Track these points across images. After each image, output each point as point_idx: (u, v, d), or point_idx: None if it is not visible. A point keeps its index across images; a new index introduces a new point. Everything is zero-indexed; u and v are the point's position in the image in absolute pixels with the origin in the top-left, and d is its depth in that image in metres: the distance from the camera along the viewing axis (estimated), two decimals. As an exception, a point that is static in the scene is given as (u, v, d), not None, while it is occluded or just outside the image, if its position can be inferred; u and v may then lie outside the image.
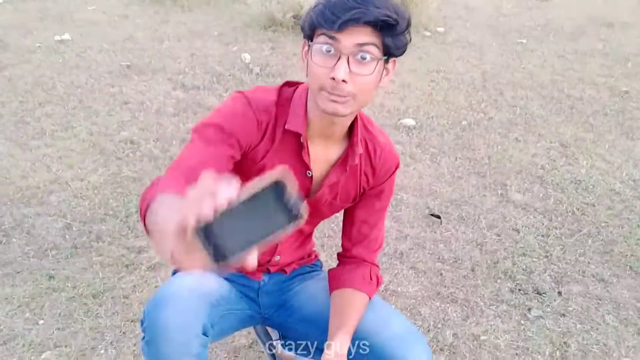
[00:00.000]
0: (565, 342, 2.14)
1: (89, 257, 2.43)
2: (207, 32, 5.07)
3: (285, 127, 1.32)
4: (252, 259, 0.65)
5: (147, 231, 1.00)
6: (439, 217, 2.82)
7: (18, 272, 2.33)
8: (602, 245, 2.69)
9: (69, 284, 2.28)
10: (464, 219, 2.83)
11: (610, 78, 4.58)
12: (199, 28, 5.14)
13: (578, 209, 2.93)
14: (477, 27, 5.62)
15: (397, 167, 1.50)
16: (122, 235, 2.57)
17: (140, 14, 5.42)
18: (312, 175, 1.40)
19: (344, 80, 1.16)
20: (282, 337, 1.72)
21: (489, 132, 3.66)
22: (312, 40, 1.21)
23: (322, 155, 1.40)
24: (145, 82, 4.05)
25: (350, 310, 1.44)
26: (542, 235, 2.73)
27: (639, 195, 3.07)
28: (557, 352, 2.09)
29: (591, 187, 3.13)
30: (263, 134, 1.33)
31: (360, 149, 1.39)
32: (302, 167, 1.38)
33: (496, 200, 3.00)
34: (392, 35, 1.18)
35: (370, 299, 1.50)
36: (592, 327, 2.22)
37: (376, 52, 1.18)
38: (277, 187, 0.62)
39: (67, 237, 2.55)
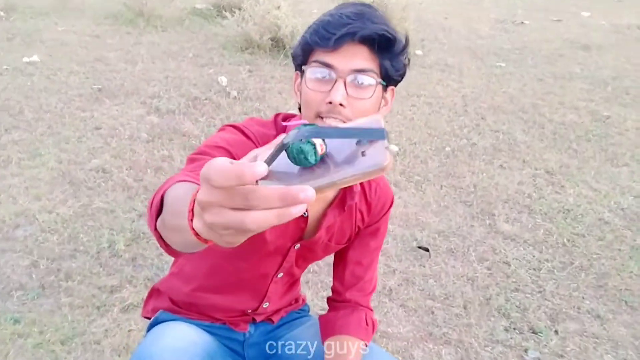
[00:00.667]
0: (565, 386, 2.04)
1: (57, 298, 2.26)
2: (181, 53, 4.93)
3: None
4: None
5: (157, 232, 0.83)
6: (427, 250, 2.71)
7: (-21, 316, 2.15)
8: (595, 279, 2.60)
9: (35, 329, 2.11)
10: (453, 252, 2.73)
11: (590, 102, 4.56)
12: (174, 49, 5.00)
13: (568, 240, 2.85)
14: (455, 50, 5.59)
15: (392, 203, 1.42)
16: (92, 273, 2.40)
17: (112, 35, 5.26)
18: (307, 216, 1.29)
19: (341, 104, 1.08)
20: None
21: (473, 159, 3.58)
22: (305, 66, 1.14)
23: (318, 195, 1.29)
24: (117, 106, 3.89)
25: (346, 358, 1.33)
26: (534, 269, 2.64)
27: (628, 225, 3.01)
28: (558, 398, 1.99)
29: (580, 216, 3.06)
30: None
31: (358, 187, 1.31)
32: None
33: (485, 231, 2.91)
34: (390, 57, 1.11)
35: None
36: (591, 369, 2.12)
37: (374, 76, 1.11)
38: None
39: (33, 276, 2.37)
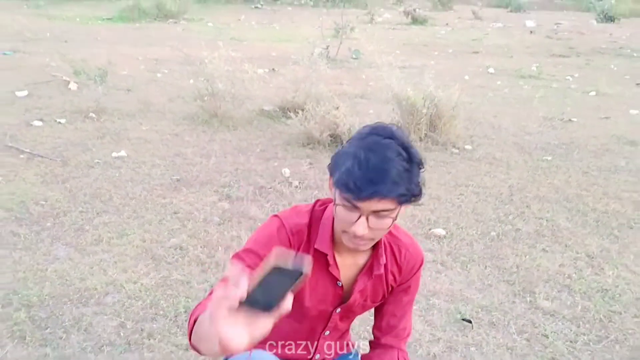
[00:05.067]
0: None
1: (141, 353, 2.62)
2: (250, 149, 5.47)
3: (315, 247, 1.54)
4: (287, 304, 0.92)
5: (193, 346, 1.27)
6: (470, 321, 2.95)
7: (77, 366, 2.52)
8: (629, 351, 2.77)
9: (122, 378, 2.46)
10: (495, 325, 2.95)
11: (634, 193, 4.76)
12: (243, 145, 5.56)
13: (605, 317, 3.03)
14: (504, 145, 5.92)
15: (421, 263, 1.68)
16: (171, 333, 2.76)
17: (190, 133, 5.89)
18: (342, 285, 1.61)
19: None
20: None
21: (517, 243, 3.83)
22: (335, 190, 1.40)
23: (350, 262, 1.60)
24: (193, 194, 4.38)
25: None
26: (571, 341, 2.83)
27: (665, 304, 3.16)
28: None
29: (617, 295, 3.23)
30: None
31: (384, 259, 1.58)
32: (332, 279, 1.58)
33: (525, 307, 3.12)
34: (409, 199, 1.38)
35: None
36: None
37: (395, 210, 1.37)
38: (277, 268, 0.89)
39: (121, 334, 2.75)
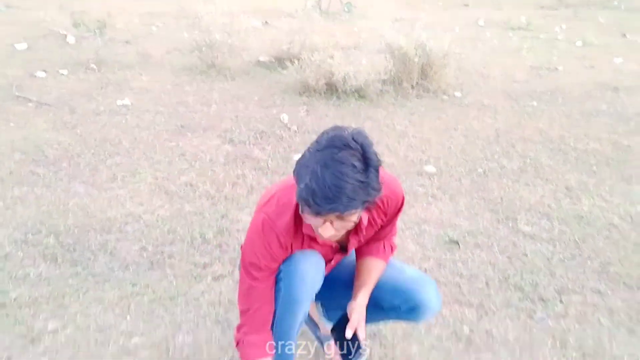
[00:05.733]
0: (564, 337, 2.54)
1: (163, 270, 2.92)
2: (248, 97, 5.70)
3: (303, 232, 1.76)
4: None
5: None
6: (457, 243, 3.27)
7: (106, 281, 2.82)
8: (600, 266, 3.10)
9: (149, 290, 2.76)
10: (479, 246, 3.27)
11: (613, 134, 5.06)
12: (242, 94, 5.79)
13: (579, 238, 3.36)
14: (492, 92, 6.19)
15: (402, 201, 1.91)
16: (189, 254, 3.06)
17: (189, 83, 6.10)
18: (336, 244, 1.90)
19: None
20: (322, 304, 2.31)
21: (501, 178, 4.13)
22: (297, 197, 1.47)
23: None
24: (197, 138, 4.64)
25: (369, 272, 1.95)
26: (547, 259, 3.16)
27: (634, 228, 3.48)
28: (558, 344, 2.50)
29: (592, 221, 3.55)
30: (291, 245, 1.78)
31: (365, 223, 1.80)
32: (326, 244, 1.85)
33: (508, 231, 3.44)
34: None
35: (386, 263, 2.00)
36: (588, 327, 2.61)
37: (357, 212, 1.48)
38: None
39: (144, 255, 3.05)
